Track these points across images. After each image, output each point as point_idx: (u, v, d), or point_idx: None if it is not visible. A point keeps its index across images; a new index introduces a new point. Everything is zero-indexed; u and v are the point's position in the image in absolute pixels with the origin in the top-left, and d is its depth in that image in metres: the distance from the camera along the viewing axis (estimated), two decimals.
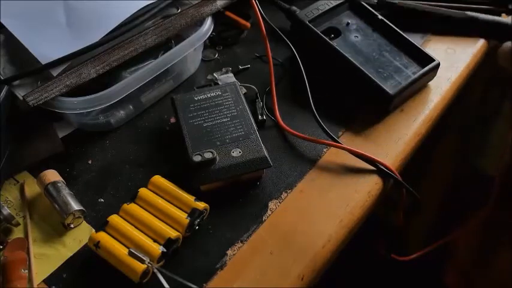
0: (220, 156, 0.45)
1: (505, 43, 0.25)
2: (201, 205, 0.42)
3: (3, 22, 0.52)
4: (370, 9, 0.58)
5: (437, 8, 0.61)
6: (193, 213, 0.42)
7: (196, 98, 0.50)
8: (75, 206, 0.43)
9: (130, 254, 0.38)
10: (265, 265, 0.40)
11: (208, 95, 0.50)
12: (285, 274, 0.39)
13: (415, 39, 0.56)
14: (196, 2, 0.56)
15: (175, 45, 0.53)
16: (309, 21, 0.56)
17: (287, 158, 0.48)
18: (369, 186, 0.45)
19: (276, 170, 0.47)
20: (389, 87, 0.51)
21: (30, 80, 0.49)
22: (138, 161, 0.49)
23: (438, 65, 0.54)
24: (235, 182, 0.45)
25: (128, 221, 0.42)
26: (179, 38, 0.55)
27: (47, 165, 0.47)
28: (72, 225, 0.43)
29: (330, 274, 0.42)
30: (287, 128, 0.50)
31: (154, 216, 0.42)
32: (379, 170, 0.46)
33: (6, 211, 0.43)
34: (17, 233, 0.43)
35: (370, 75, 0.51)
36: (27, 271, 0.40)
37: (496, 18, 0.24)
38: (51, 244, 0.42)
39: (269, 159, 0.45)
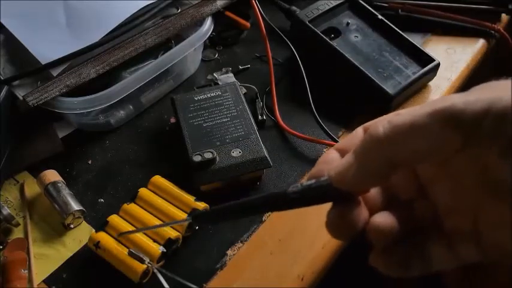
0: (220, 156, 0.45)
1: (332, 211, 0.25)
2: (201, 205, 0.42)
3: (3, 22, 0.52)
4: (370, 9, 0.58)
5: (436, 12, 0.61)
6: (193, 213, 0.41)
7: (196, 98, 0.50)
8: (75, 206, 0.43)
9: (130, 254, 0.38)
10: (265, 265, 0.40)
11: (208, 95, 0.50)
12: (285, 274, 0.39)
13: (415, 39, 0.56)
14: (196, 2, 0.56)
15: (175, 45, 0.53)
16: (309, 21, 0.56)
17: (287, 158, 0.48)
18: None
19: (276, 170, 0.47)
20: (390, 87, 0.51)
21: (30, 80, 0.49)
22: (138, 161, 0.49)
23: (438, 65, 0.54)
24: (235, 182, 0.45)
25: (128, 221, 0.42)
26: (179, 38, 0.55)
27: (47, 165, 0.47)
28: (72, 225, 0.43)
29: (331, 274, 0.42)
30: (287, 128, 0.50)
31: (154, 216, 0.42)
32: None
33: (6, 211, 0.43)
34: (17, 233, 0.43)
35: (370, 75, 0.51)
36: (27, 271, 0.40)
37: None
38: (51, 244, 0.42)
39: (269, 159, 0.45)
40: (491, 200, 0.20)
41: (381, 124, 0.22)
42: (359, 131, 0.26)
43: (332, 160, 0.25)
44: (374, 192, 0.25)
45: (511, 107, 0.18)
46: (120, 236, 0.39)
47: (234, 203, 0.28)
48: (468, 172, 0.21)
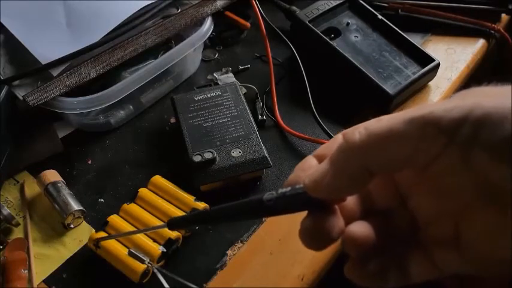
0: (220, 156, 0.45)
1: (306, 219, 0.25)
2: (201, 205, 0.42)
3: (3, 22, 0.52)
4: (370, 9, 0.58)
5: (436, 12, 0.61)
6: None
7: (196, 98, 0.50)
8: (75, 206, 0.43)
9: (130, 254, 0.38)
10: (265, 265, 0.40)
11: (208, 95, 0.50)
12: (285, 274, 0.39)
13: (415, 39, 0.56)
14: (196, 2, 0.56)
15: (175, 45, 0.53)
16: (309, 21, 0.56)
17: (287, 158, 0.48)
18: None
19: (276, 170, 0.47)
20: (390, 87, 0.51)
21: (30, 80, 0.49)
22: (138, 161, 0.49)
23: (438, 65, 0.54)
24: (235, 182, 0.45)
25: (128, 221, 0.42)
26: (179, 38, 0.55)
27: (47, 165, 0.47)
28: (72, 225, 0.43)
29: (331, 274, 0.42)
30: (287, 128, 0.50)
31: (154, 216, 0.42)
32: None
33: (6, 211, 0.43)
34: (17, 233, 0.43)
35: (370, 75, 0.51)
36: (27, 271, 0.40)
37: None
38: (51, 244, 0.42)
39: (269, 159, 0.45)
40: (479, 205, 0.19)
41: (357, 131, 0.21)
42: (338, 138, 0.25)
43: (309, 167, 0.25)
44: (351, 201, 0.24)
45: (490, 113, 0.18)
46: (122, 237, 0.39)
47: (212, 209, 0.27)
48: (451, 178, 0.20)
